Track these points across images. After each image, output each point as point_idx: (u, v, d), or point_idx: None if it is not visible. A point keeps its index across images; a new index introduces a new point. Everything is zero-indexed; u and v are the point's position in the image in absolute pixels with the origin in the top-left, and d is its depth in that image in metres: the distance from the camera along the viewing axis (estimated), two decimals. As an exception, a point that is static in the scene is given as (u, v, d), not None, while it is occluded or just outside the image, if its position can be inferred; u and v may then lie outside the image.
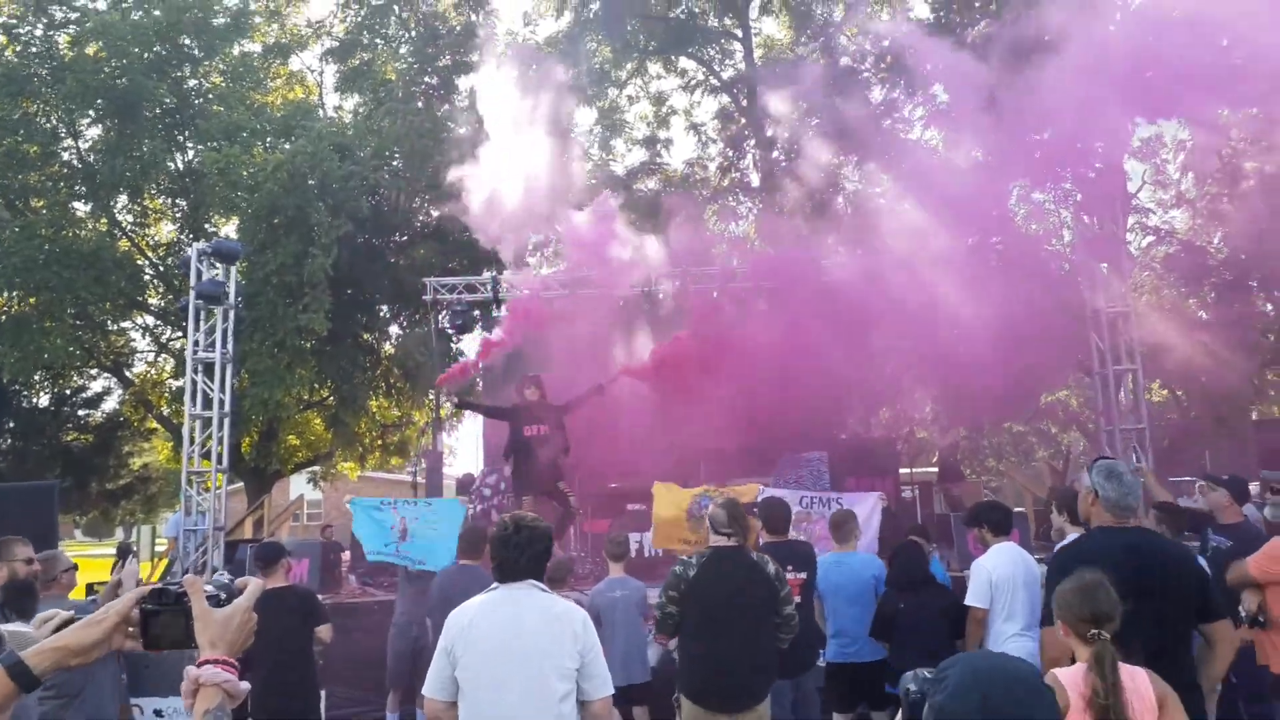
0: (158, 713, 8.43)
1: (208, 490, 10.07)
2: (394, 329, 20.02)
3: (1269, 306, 18.05)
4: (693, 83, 24.38)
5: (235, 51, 18.84)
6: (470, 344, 20.88)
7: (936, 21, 19.92)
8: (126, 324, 20.09)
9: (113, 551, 16.55)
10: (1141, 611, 3.21)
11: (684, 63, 24.57)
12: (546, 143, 12.17)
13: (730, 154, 24.01)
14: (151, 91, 16.59)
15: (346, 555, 11.09)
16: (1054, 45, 16.45)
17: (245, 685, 1.69)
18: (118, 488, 22.60)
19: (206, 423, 10.24)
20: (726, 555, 4.82)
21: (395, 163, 18.18)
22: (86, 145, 17.79)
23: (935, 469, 13.05)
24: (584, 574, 9.61)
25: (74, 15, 17.18)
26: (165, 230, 20.05)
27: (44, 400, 20.82)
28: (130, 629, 1.77)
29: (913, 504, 11.26)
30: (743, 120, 23.27)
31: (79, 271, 15.71)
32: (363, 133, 18.52)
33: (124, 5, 17.33)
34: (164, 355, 20.01)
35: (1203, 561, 5.25)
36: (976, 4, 19.82)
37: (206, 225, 18.20)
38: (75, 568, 6.80)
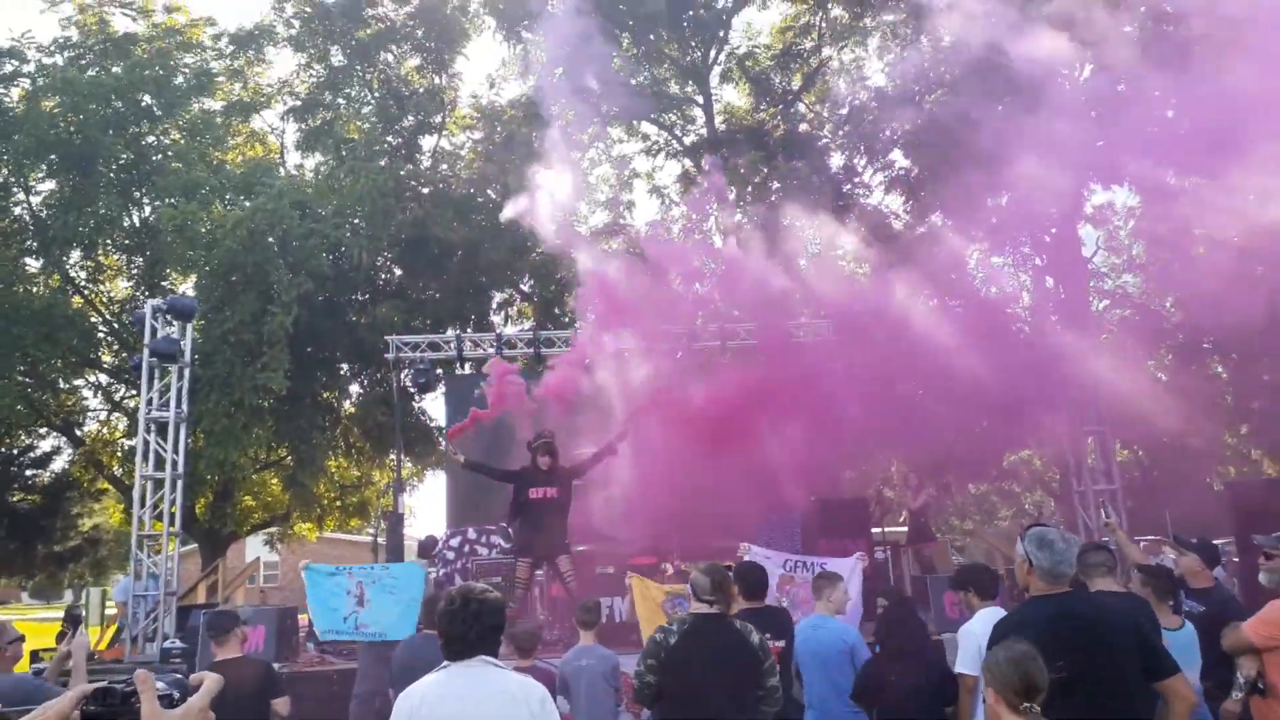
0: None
1: (159, 553, 9.67)
2: (354, 388, 19.75)
3: (1220, 369, 18.46)
4: (654, 148, 24.69)
5: (196, 109, 18.72)
6: (433, 404, 20.73)
7: (894, 90, 20.37)
8: (79, 382, 19.62)
9: (60, 616, 15.88)
10: (1083, 676, 3.25)
11: (646, 127, 24.89)
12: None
13: (692, 216, 24.22)
14: (108, 147, 16.40)
15: (305, 620, 10.70)
16: (1007, 114, 16.97)
17: None
18: (65, 550, 21.84)
19: (159, 484, 9.88)
20: (709, 623, 4.65)
21: (357, 221, 18.07)
22: (39, 200, 17.49)
23: (905, 529, 12.98)
24: (552, 640, 9.32)
25: (28, 68, 16.97)
26: (120, 287, 19.70)
27: (-11, 460, 20.16)
28: None
29: (885, 565, 11.16)
30: (704, 184, 23.54)
31: (28, 328, 15.32)
32: (324, 191, 18.42)
33: (82, 62, 17.17)
34: (117, 414, 19.51)
35: (1189, 625, 5.23)
36: (932, 75, 20.33)
37: (163, 282, 17.91)
38: (22, 639, 6.47)
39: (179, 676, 1.69)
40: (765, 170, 19.86)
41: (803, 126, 23.39)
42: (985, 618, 5.24)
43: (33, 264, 17.66)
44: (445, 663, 3.29)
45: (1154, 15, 17.87)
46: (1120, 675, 3.48)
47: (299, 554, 23.66)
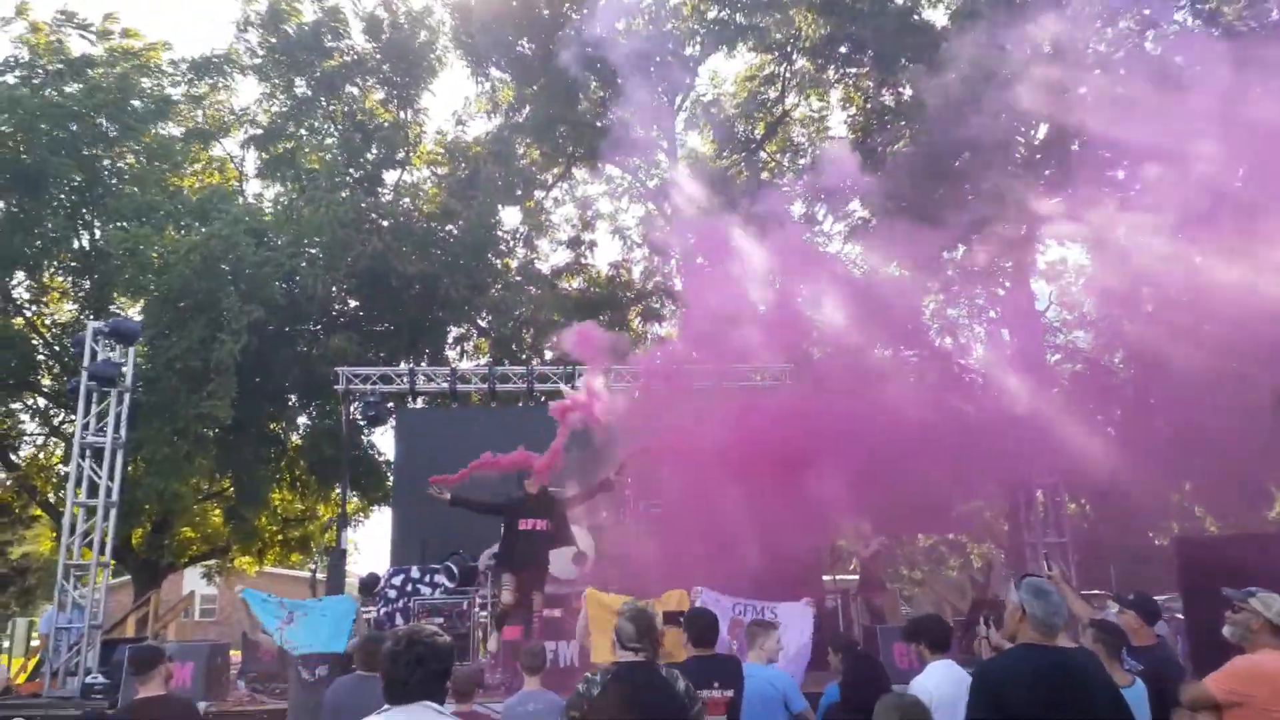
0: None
1: (86, 585, 9.27)
2: (303, 419, 19.33)
3: (1165, 425, 18.72)
4: (618, 189, 24.83)
5: (154, 133, 18.42)
6: (382, 438, 20.37)
7: (856, 140, 20.71)
8: (16, 404, 19.00)
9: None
10: None
11: (610, 169, 25.04)
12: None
13: (654, 259, 24.34)
14: (59, 168, 16.03)
15: (237, 657, 10.32)
16: (964, 169, 17.34)
17: None
18: (-10, 580, 21.02)
19: (91, 511, 9.51)
20: (634, 672, 4.45)
21: (314, 251, 17.82)
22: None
23: (855, 577, 12.90)
24: (494, 684, 9.06)
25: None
26: (65, 309, 19.18)
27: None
28: None
29: (835, 614, 11.04)
30: (666, 227, 23.67)
31: (-35, 349, 14.85)
32: (282, 220, 18.19)
33: (34, 81, 16.84)
34: (54, 439, 18.90)
35: (1139, 682, 5.16)
36: (890, 125, 20.72)
37: (110, 306, 17.47)
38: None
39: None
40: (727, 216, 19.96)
41: (765, 174, 23.67)
42: (936, 671, 5.15)
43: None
44: (386, 706, 3.12)
45: (1105, 73, 18.42)
46: None
47: (236, 588, 23.01)
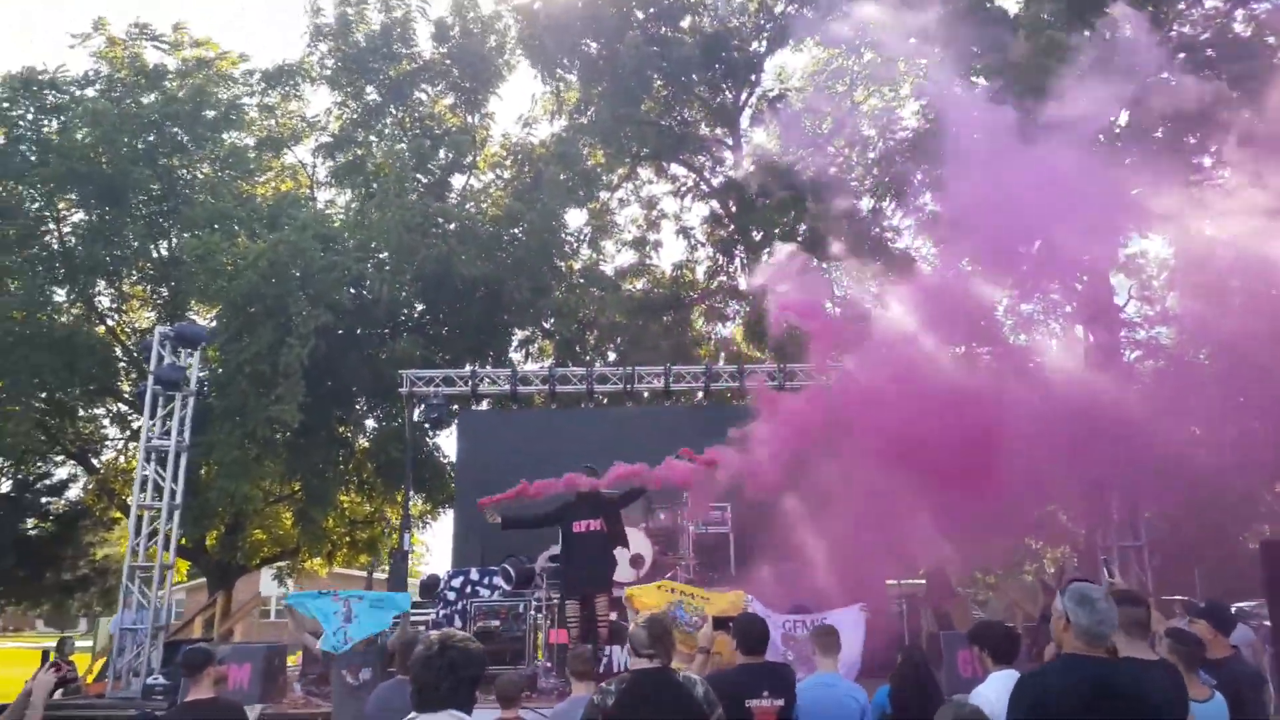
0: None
1: (152, 587, 9.43)
2: (370, 422, 19.56)
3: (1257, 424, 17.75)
4: (683, 189, 24.59)
5: (227, 141, 18.86)
6: (447, 440, 20.45)
7: (928, 131, 20.11)
8: (99, 410, 19.63)
9: (83, 645, 15.68)
10: None
11: (675, 169, 24.83)
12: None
13: (719, 258, 24.07)
14: (138, 179, 16.50)
15: (293, 661, 10.39)
16: (1044, 158, 16.68)
17: None
18: (74, 579, 21.68)
19: (156, 514, 9.67)
20: (649, 679, 4.32)
21: (381, 255, 18.02)
22: (68, 229, 17.61)
23: (922, 582, 12.47)
24: (548, 690, 8.95)
25: (64, 100, 17.16)
26: (145, 317, 19.76)
27: (5, 486, 20.14)
28: None
29: (900, 619, 10.67)
30: (731, 226, 23.39)
31: (49, 356, 15.31)
32: (351, 225, 18.46)
33: (113, 95, 17.36)
34: (133, 444, 19.44)
35: (1218, 696, 4.78)
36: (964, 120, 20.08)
37: (187, 312, 17.94)
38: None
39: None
40: (793, 212, 19.63)
41: (833, 169, 23.22)
42: (998, 681, 4.83)
43: (59, 293, 17.74)
44: (413, 714, 3.02)
45: (1191, 63, 17.62)
46: None
47: (307, 589, 23.39)
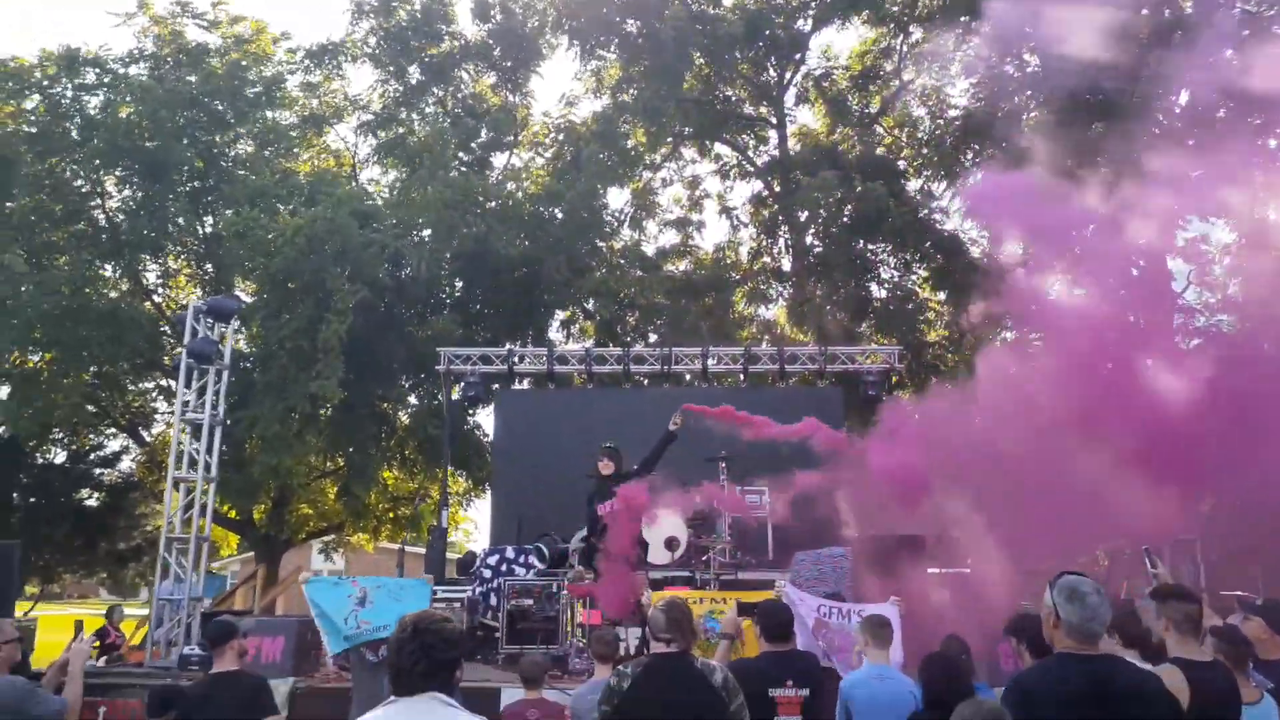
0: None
1: (188, 556, 9.54)
2: (412, 399, 19.66)
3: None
4: (727, 168, 24.29)
5: (268, 118, 18.99)
6: (486, 418, 20.49)
7: (979, 113, 19.60)
8: (149, 385, 19.99)
9: (141, 614, 16.02)
10: None
11: (719, 148, 24.53)
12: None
13: (762, 239, 23.76)
14: (181, 155, 16.67)
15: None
16: (1100, 139, 16.20)
17: None
18: (128, 548, 22.20)
19: (191, 486, 9.77)
20: (665, 664, 4.22)
21: (422, 233, 18.06)
22: (115, 205, 17.87)
23: (968, 570, 12.19)
24: (579, 670, 8.88)
25: (107, 78, 17.38)
26: (192, 293, 20.03)
27: (60, 457, 20.65)
28: None
29: (943, 610, 10.43)
30: (775, 206, 23.06)
31: (95, 329, 15.58)
32: (392, 204, 18.52)
33: (158, 73, 17.55)
34: (181, 418, 19.80)
35: (1268, 699, 4.55)
36: (1017, 99, 19.55)
37: (232, 288, 18.14)
38: (19, 639, 6.36)
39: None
40: (840, 193, 19.26)
41: (880, 150, 22.77)
42: (1034, 675, 4.65)
43: (106, 268, 18.04)
44: (392, 697, 2.94)
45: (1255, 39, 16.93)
46: None
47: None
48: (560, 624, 9.95)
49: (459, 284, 19.10)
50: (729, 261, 23.43)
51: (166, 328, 18.43)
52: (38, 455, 19.85)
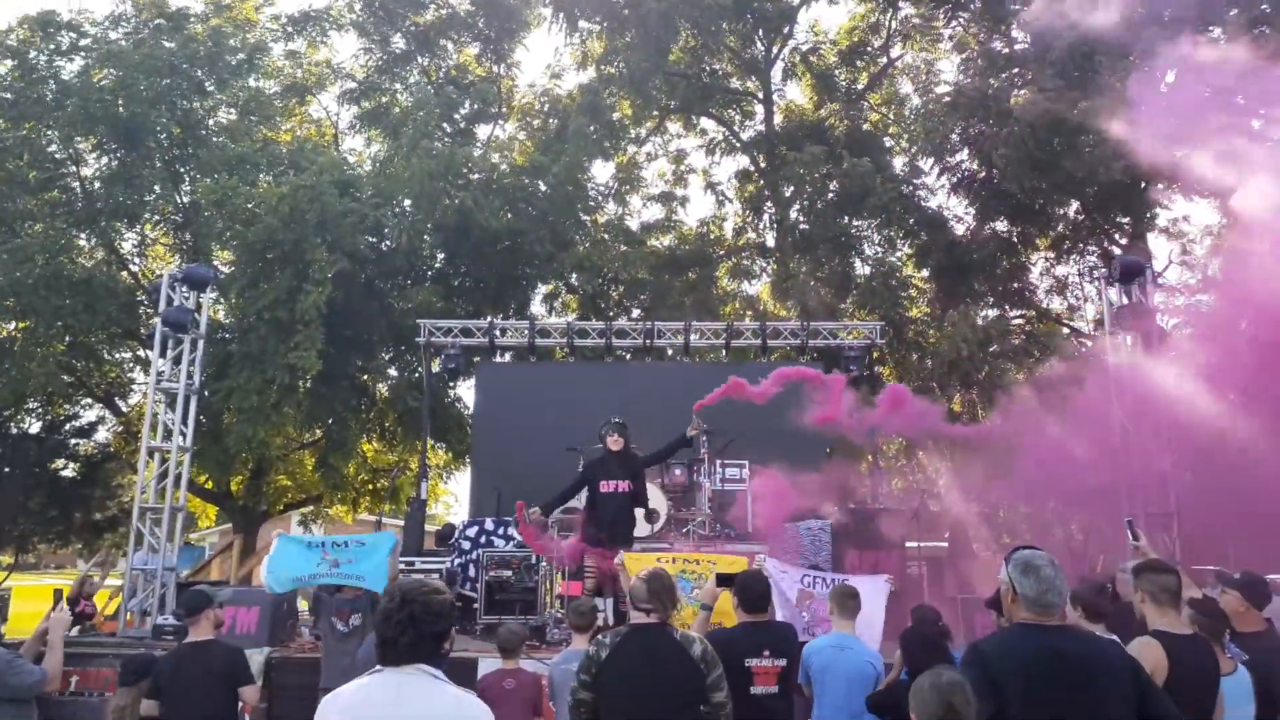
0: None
1: (161, 526, 9.44)
2: (391, 371, 19.51)
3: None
4: (712, 143, 24.12)
5: (249, 85, 18.69)
6: (467, 391, 20.37)
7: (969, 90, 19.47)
8: (125, 355, 19.76)
9: (117, 584, 15.91)
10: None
11: (704, 122, 24.37)
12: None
13: (747, 214, 23.66)
14: (156, 121, 16.39)
15: (304, 605, 10.42)
16: (1089, 114, 16.15)
17: None
18: (104, 519, 22.01)
19: (166, 456, 9.65)
20: (643, 634, 4.24)
21: (405, 203, 17.85)
22: (89, 173, 17.58)
23: (945, 544, 12.28)
24: (557, 641, 8.89)
25: (84, 42, 17.05)
26: (170, 262, 19.75)
27: (35, 427, 20.39)
28: None
29: (920, 581, 10.52)
30: (760, 181, 22.95)
31: (70, 298, 15.35)
32: (374, 174, 18.30)
33: (138, 37, 17.22)
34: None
35: (1241, 669, 4.57)
36: (1005, 76, 19.45)
37: (210, 257, 17.90)
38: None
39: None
40: (826, 169, 19.16)
41: (866, 126, 22.67)
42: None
43: (80, 236, 17.77)
44: (378, 667, 2.88)
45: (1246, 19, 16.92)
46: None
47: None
48: (539, 595, 9.96)
49: (440, 256, 18.89)
50: (713, 237, 23.33)
51: (143, 297, 18.19)
52: (12, 425, 19.60)
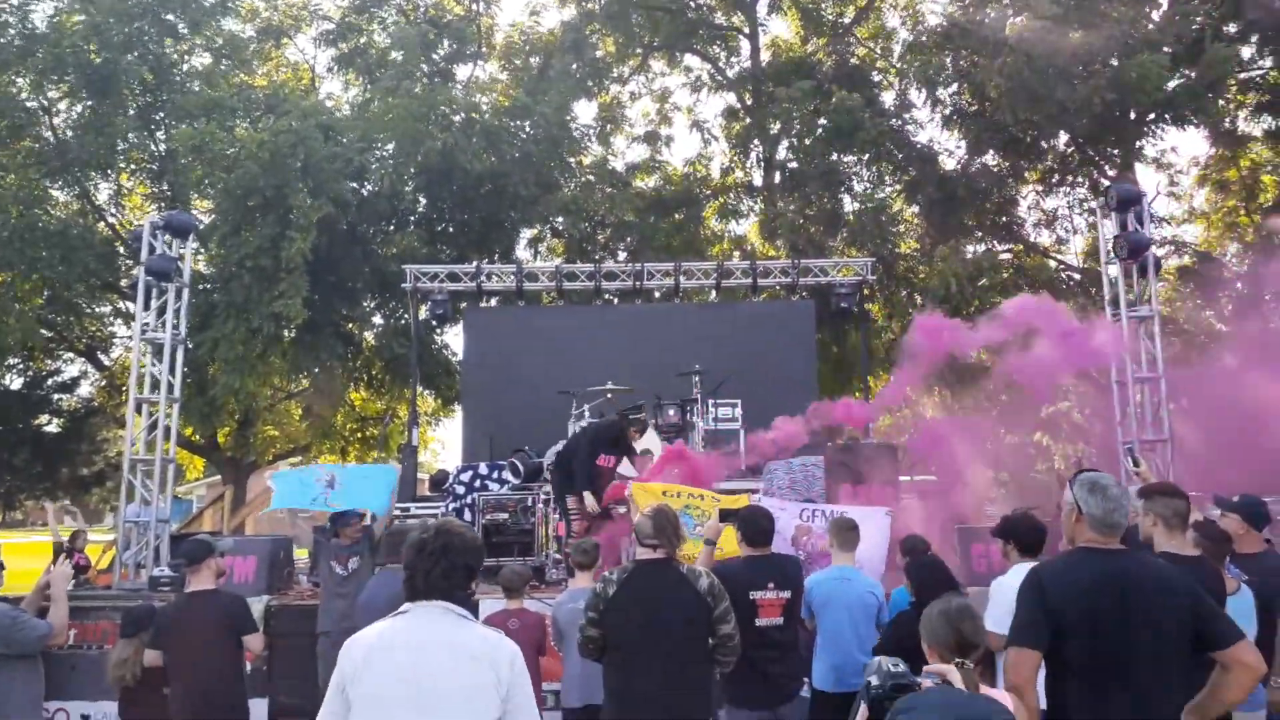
0: (85, 717, 7.85)
1: (153, 477, 9.35)
2: (377, 318, 19.32)
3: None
4: (698, 80, 23.71)
5: (224, 29, 18.19)
6: (454, 337, 20.23)
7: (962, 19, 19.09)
8: (105, 308, 19.48)
9: (108, 539, 15.89)
10: (1131, 644, 3.07)
11: (689, 59, 23.93)
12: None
13: (734, 153, 23.34)
14: (129, 67, 15.94)
15: (301, 555, 10.43)
16: (1070, 48, 15.95)
17: None
18: (90, 474, 21.94)
19: (154, 407, 9.53)
20: (650, 570, 4.28)
21: (386, 146, 17.51)
22: (61, 122, 17.13)
23: (935, 478, 12.34)
24: (556, 581, 8.93)
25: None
26: (148, 212, 19.36)
27: (16, 383, 20.17)
28: None
29: (914, 513, 10.56)
30: (747, 119, 22.60)
31: (45, 249, 15.06)
32: (354, 118, 17.91)
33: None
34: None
35: (1245, 589, 4.61)
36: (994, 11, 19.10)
37: (189, 206, 17.55)
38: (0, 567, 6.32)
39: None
40: (813, 104, 18.87)
41: (854, 60, 22.28)
42: (1021, 572, 4.68)
43: (56, 190, 17.40)
44: (406, 606, 2.87)
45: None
46: (1172, 646, 3.12)
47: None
48: (536, 536, 9.96)
49: (423, 200, 18.59)
50: (700, 177, 23.03)
51: (122, 249, 17.88)
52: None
